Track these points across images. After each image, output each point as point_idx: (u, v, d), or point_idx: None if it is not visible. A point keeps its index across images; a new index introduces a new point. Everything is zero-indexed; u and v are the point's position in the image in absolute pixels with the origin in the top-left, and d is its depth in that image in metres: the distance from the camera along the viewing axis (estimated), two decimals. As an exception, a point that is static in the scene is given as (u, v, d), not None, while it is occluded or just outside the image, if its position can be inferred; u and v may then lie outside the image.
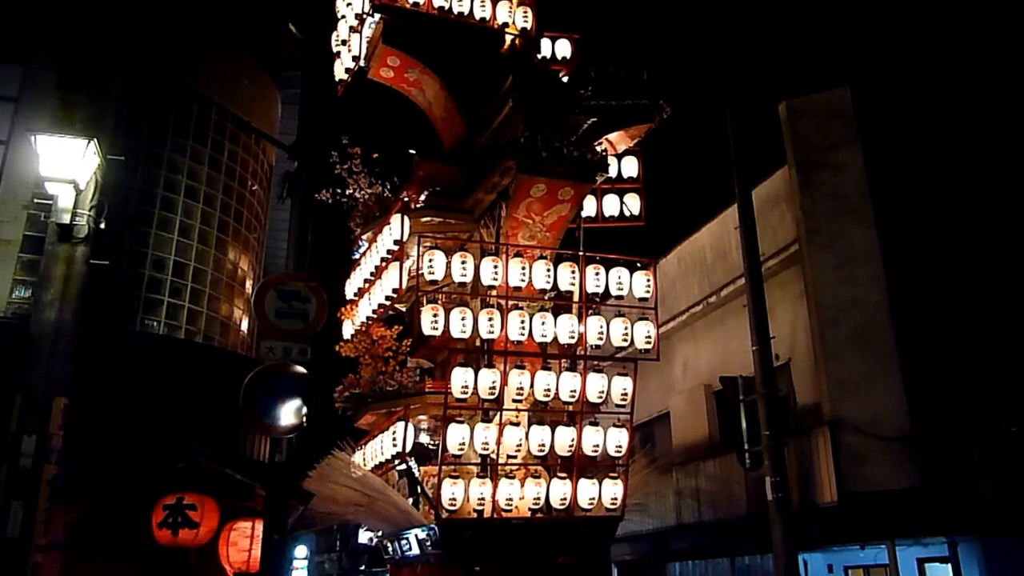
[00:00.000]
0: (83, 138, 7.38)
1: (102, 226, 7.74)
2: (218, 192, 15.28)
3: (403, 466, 8.43)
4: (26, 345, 7.12)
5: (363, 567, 25.68)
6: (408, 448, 8.01)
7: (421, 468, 8.33)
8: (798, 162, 11.81)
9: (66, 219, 7.37)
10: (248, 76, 16.41)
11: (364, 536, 9.65)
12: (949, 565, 10.50)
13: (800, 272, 11.69)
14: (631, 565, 14.91)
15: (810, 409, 11.33)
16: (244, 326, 15.83)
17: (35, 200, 12.04)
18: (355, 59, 9.48)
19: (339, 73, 10.09)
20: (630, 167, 9.83)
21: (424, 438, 8.67)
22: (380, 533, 9.19)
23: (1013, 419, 10.34)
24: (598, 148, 8.14)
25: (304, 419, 7.39)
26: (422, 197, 8.53)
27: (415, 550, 8.15)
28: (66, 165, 7.30)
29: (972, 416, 10.35)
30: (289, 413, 7.32)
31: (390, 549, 8.95)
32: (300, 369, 7.53)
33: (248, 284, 15.93)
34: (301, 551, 21.34)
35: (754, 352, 10.65)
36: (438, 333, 7.43)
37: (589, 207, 9.43)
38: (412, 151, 8.75)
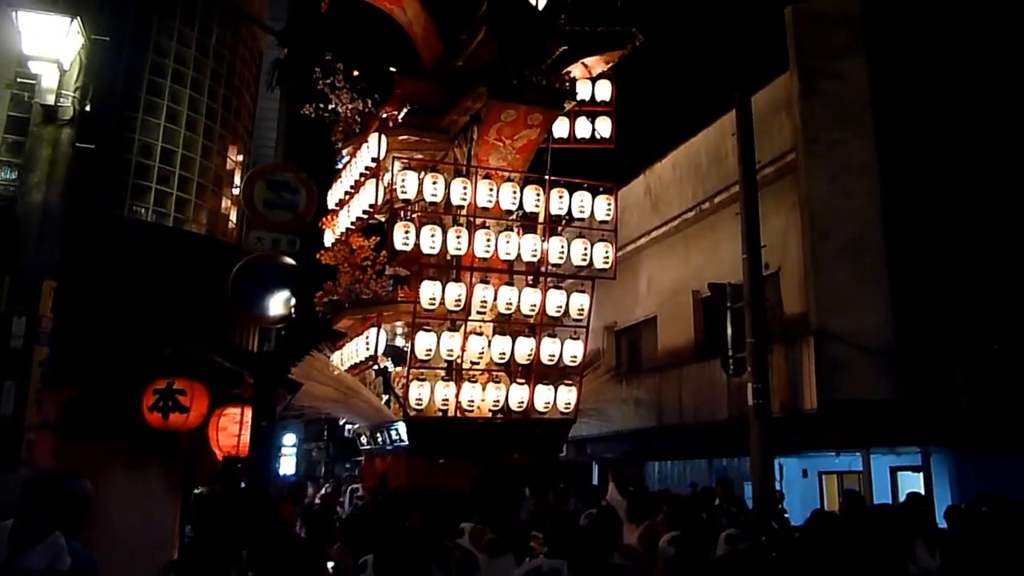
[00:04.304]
0: (66, 16, 7.43)
1: (87, 108, 7.93)
2: (206, 78, 15.69)
3: (379, 366, 9.61)
4: (13, 227, 7.40)
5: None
6: (381, 351, 9.09)
7: (395, 368, 9.38)
8: (801, 69, 12.02)
9: (50, 100, 7.60)
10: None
11: (348, 428, 10.93)
12: (920, 474, 11.29)
13: (795, 182, 12.04)
14: (612, 463, 15.77)
15: (797, 319, 11.91)
16: (233, 216, 16.67)
17: (18, 80, 12.70)
18: (340, -25, 9.85)
19: (324, -12, 10.35)
20: (603, 91, 10.22)
21: (400, 341, 9.69)
22: (356, 426, 10.48)
23: (996, 337, 10.94)
24: (571, 73, 8.66)
25: (293, 310, 7.65)
26: (401, 114, 9.08)
27: (386, 443, 9.17)
28: (49, 44, 7.46)
29: (956, 332, 10.90)
30: (278, 303, 7.33)
31: (364, 441, 10.15)
32: (289, 260, 7.58)
33: (237, 174, 16.57)
34: (290, 439, 22.97)
35: (744, 260, 11.16)
36: (409, 248, 8.23)
37: (561, 129, 10.00)
38: (392, 69, 9.30)
